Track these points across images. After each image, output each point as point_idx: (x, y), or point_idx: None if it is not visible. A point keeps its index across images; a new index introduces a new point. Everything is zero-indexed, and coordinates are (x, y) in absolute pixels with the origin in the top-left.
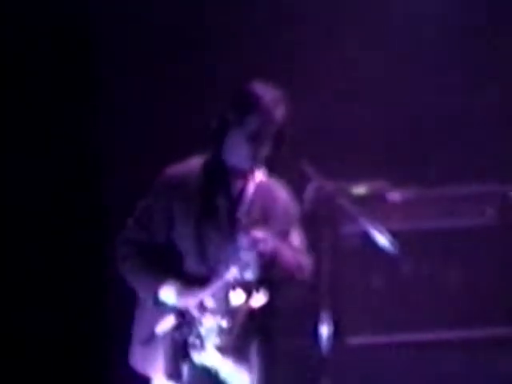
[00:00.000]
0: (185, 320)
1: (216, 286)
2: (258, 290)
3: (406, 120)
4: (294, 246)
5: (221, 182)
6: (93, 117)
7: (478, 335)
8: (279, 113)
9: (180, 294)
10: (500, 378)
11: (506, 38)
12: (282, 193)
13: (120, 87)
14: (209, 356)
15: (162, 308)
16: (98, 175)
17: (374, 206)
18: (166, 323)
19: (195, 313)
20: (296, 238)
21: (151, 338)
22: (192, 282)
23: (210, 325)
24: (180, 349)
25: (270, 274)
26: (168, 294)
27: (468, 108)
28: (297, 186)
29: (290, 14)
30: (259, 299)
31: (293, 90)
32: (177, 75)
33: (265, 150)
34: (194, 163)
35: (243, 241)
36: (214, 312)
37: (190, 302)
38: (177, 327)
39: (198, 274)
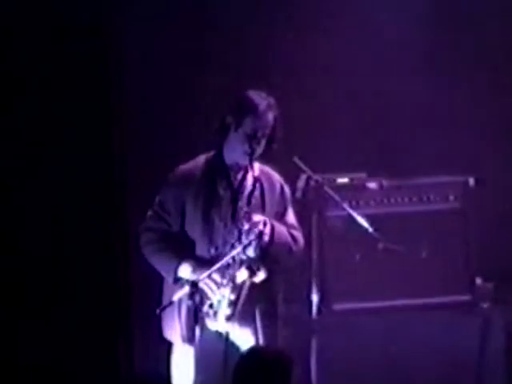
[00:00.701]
0: (197, 290)
1: (223, 262)
2: (258, 268)
3: (385, 121)
4: (289, 223)
5: (223, 176)
6: (106, 117)
7: (441, 301)
8: (272, 116)
9: (194, 270)
10: (460, 335)
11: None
12: (276, 180)
13: (133, 94)
14: (220, 323)
15: (180, 284)
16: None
17: (355, 193)
18: (181, 292)
19: (207, 285)
20: (290, 216)
21: (168, 304)
22: (203, 261)
23: (220, 297)
24: (193, 315)
25: (270, 249)
26: (185, 270)
27: (440, 107)
28: (290, 177)
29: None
30: (260, 275)
31: (281, 94)
32: (184, 86)
33: (260, 149)
34: (200, 161)
35: (245, 224)
36: (223, 286)
37: (202, 276)
38: (190, 296)
39: (208, 255)
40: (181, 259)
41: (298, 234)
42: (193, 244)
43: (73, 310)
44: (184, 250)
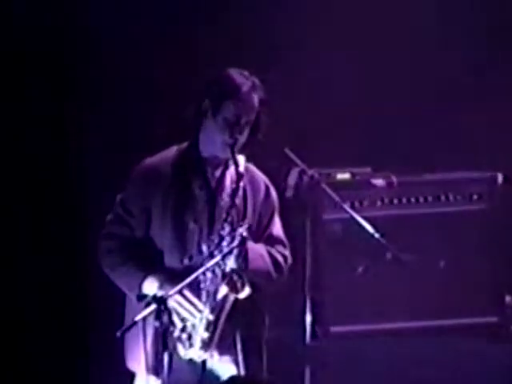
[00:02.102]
0: (166, 308)
1: (198, 273)
2: (243, 282)
3: (393, 106)
4: (274, 236)
5: (198, 171)
6: (73, 113)
7: (462, 323)
8: (256, 99)
9: (162, 285)
10: (486, 364)
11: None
12: (261, 180)
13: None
14: (195, 350)
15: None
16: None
17: (358, 192)
18: (147, 311)
19: (178, 303)
20: (275, 227)
21: (130, 326)
22: (174, 274)
23: (196, 318)
24: (161, 339)
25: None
26: (150, 286)
27: (457, 94)
28: (278, 173)
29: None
30: (244, 291)
31: (273, 78)
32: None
33: (243, 138)
34: (171, 154)
35: (226, 228)
36: (199, 305)
37: (172, 291)
38: (157, 315)
39: (180, 266)
40: (146, 272)
41: (284, 253)
42: (161, 253)
43: (25, 333)
44: (150, 260)
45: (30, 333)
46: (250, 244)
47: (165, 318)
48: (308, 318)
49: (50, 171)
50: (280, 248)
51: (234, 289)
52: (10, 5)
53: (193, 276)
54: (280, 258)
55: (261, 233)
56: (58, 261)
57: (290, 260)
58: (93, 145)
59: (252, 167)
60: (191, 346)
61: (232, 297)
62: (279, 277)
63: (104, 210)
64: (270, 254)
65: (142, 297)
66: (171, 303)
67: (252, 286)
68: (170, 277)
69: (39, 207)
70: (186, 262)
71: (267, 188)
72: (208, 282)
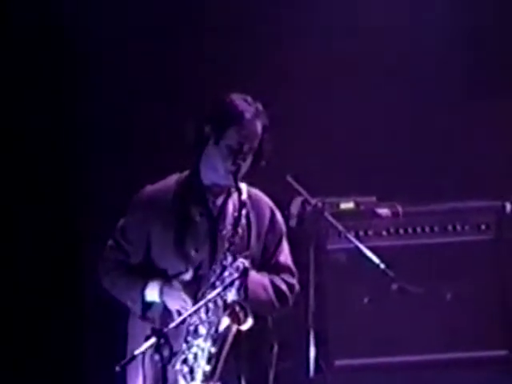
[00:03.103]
0: (166, 341)
1: (199, 306)
2: (245, 313)
3: (398, 135)
4: (281, 264)
5: (199, 199)
6: (72, 125)
7: (470, 357)
8: (260, 126)
9: (163, 290)
10: None
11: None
12: (266, 205)
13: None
14: (198, 383)
15: (150, 319)
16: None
17: (363, 221)
18: (147, 344)
19: (179, 337)
20: (283, 254)
21: (130, 359)
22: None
23: (197, 350)
24: (161, 373)
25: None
26: (152, 292)
27: (463, 122)
28: (281, 201)
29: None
30: (246, 322)
31: (276, 104)
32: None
33: (246, 166)
34: (172, 181)
35: (228, 261)
36: (201, 337)
37: (174, 300)
38: (157, 348)
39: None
40: (146, 279)
41: (290, 282)
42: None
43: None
44: (149, 272)
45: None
46: (252, 274)
47: (165, 352)
48: (312, 351)
49: (50, 177)
50: (286, 276)
51: (236, 320)
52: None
53: (194, 308)
54: (284, 287)
55: (267, 260)
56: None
57: (297, 288)
58: (94, 161)
59: (257, 192)
60: (193, 379)
61: (234, 328)
62: (283, 307)
63: (103, 218)
64: (273, 284)
65: (146, 309)
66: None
67: (255, 317)
68: (170, 281)
69: (39, 210)
70: (186, 290)
71: (273, 214)
72: (210, 313)
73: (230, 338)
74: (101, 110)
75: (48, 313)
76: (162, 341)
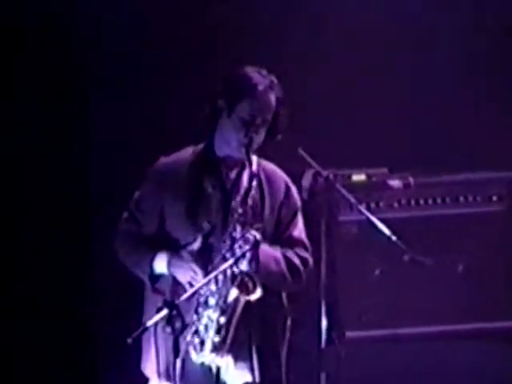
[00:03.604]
0: (178, 313)
1: (210, 278)
2: (254, 284)
3: (410, 106)
4: (295, 238)
5: (212, 172)
6: (81, 108)
7: (482, 328)
8: (273, 98)
9: (171, 263)
10: (507, 369)
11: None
12: (281, 179)
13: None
14: (207, 354)
15: (160, 291)
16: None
17: (374, 193)
18: (158, 315)
19: (190, 307)
20: (297, 229)
21: (141, 331)
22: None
23: (208, 321)
24: (172, 345)
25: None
26: (160, 264)
27: (476, 92)
28: (293, 174)
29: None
30: (255, 292)
31: (289, 76)
32: (173, 61)
33: (259, 139)
34: (187, 154)
35: (238, 232)
36: (211, 308)
37: (182, 272)
38: (168, 320)
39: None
40: (155, 251)
41: (303, 256)
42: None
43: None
44: (161, 244)
45: (39, 336)
46: (263, 246)
47: (176, 324)
48: (323, 323)
49: (52, 169)
50: (299, 250)
51: (245, 291)
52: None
53: (204, 281)
54: (297, 261)
55: (281, 234)
56: (67, 259)
57: (310, 263)
58: (102, 143)
59: (273, 166)
60: (203, 349)
61: (243, 299)
62: (296, 280)
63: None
64: (286, 257)
65: (155, 278)
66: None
67: (266, 288)
68: (179, 252)
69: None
70: (198, 261)
71: (288, 188)
72: (219, 284)
73: (238, 309)
74: (112, 76)
75: (62, 284)
76: (174, 312)
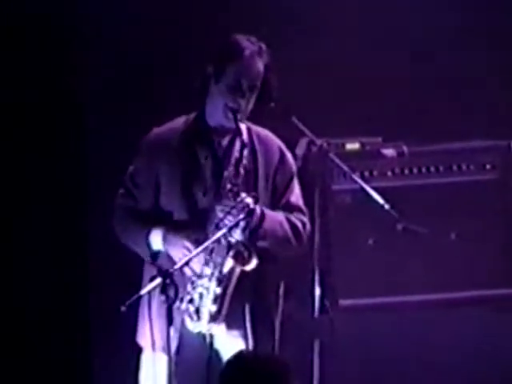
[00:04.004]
0: (172, 281)
1: (204, 247)
2: (250, 253)
3: (402, 75)
4: (292, 204)
5: (204, 141)
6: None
7: (475, 295)
8: (262, 64)
9: (165, 238)
10: (500, 336)
11: None
12: (275, 145)
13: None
14: (203, 323)
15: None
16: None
17: (368, 161)
18: (152, 284)
19: (185, 275)
20: (294, 194)
21: (135, 299)
22: (178, 226)
23: (203, 290)
24: (166, 314)
25: (260, 235)
26: (156, 239)
27: (467, 61)
28: (286, 142)
29: None
30: (250, 263)
31: (283, 42)
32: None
33: (248, 105)
34: (179, 123)
35: (231, 201)
36: (205, 277)
37: (176, 248)
38: (163, 289)
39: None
40: (149, 227)
41: (303, 220)
42: (170, 222)
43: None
44: (156, 218)
45: (30, 304)
46: (267, 211)
47: (170, 292)
48: (317, 291)
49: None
50: (298, 215)
51: (240, 261)
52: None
53: (198, 249)
54: (299, 224)
55: (277, 200)
56: (60, 230)
57: (308, 227)
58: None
59: (266, 132)
60: (199, 318)
61: (238, 269)
62: (299, 244)
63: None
64: (289, 220)
65: (155, 255)
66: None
67: (260, 257)
68: (173, 228)
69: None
70: (194, 230)
71: (282, 154)
72: (214, 254)
73: (234, 279)
74: (103, 45)
75: (55, 261)
76: (168, 281)
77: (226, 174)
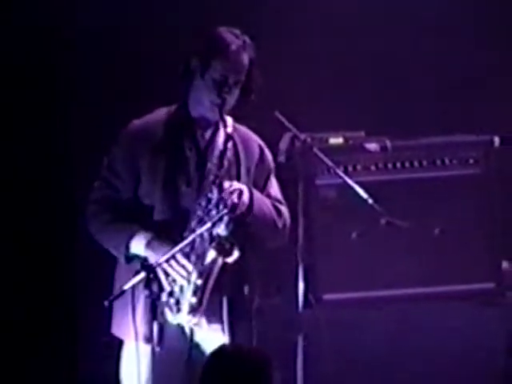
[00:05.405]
0: (155, 277)
1: (188, 241)
2: (232, 246)
3: (387, 69)
4: (272, 196)
5: (187, 132)
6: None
7: (458, 290)
8: (247, 58)
9: (149, 244)
10: (482, 330)
11: None
12: (254, 141)
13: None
14: (183, 315)
15: (135, 265)
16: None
17: (351, 156)
18: (136, 279)
19: (167, 269)
20: (273, 188)
21: (119, 294)
22: (162, 231)
23: (184, 283)
24: (150, 308)
25: (248, 224)
26: (138, 245)
27: (451, 52)
28: (270, 137)
29: None
30: (232, 254)
31: (266, 38)
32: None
33: (232, 99)
34: (161, 114)
35: (214, 192)
36: (187, 270)
37: (160, 255)
38: (146, 284)
39: (170, 230)
40: (133, 231)
41: (284, 209)
42: (150, 216)
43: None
44: (138, 220)
45: (16, 299)
46: (256, 194)
47: (154, 287)
48: (300, 286)
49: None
50: (279, 205)
51: (222, 253)
52: None
53: (182, 244)
54: (283, 209)
55: None
56: (47, 224)
57: (288, 217)
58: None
59: (245, 129)
60: (179, 310)
61: (220, 261)
62: (283, 228)
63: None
64: (273, 205)
65: (130, 258)
66: (159, 269)
67: (241, 250)
68: (157, 234)
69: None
70: (176, 224)
71: (261, 150)
72: (196, 245)
73: (215, 271)
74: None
75: (39, 254)
76: (151, 276)
77: (209, 165)
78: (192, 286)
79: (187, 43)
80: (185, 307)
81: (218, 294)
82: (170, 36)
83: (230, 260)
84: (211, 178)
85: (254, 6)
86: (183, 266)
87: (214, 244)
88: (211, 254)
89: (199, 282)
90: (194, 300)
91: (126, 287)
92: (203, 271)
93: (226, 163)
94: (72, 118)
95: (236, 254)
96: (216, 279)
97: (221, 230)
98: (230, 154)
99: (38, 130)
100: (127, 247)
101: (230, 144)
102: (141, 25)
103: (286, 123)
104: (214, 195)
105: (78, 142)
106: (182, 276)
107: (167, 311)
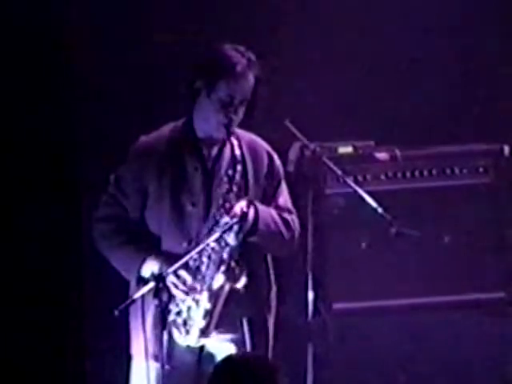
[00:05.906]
0: (165, 286)
1: (198, 250)
2: (240, 271)
3: (396, 78)
4: (281, 205)
5: (193, 151)
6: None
7: (467, 299)
8: (252, 77)
9: (162, 268)
10: (492, 340)
11: None
12: (263, 150)
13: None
14: (192, 337)
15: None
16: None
17: (361, 165)
18: (145, 288)
19: (174, 284)
20: (282, 196)
21: (128, 303)
22: (173, 257)
23: (191, 303)
24: (159, 318)
25: (255, 239)
26: (149, 269)
27: (461, 64)
28: (279, 146)
29: None
30: (241, 280)
31: (274, 49)
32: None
33: (238, 118)
34: (166, 131)
35: (224, 216)
36: (196, 291)
37: (171, 269)
38: (155, 293)
39: (178, 250)
40: (145, 255)
41: (293, 219)
42: (158, 236)
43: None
44: (148, 243)
45: (24, 310)
46: (260, 207)
47: (164, 296)
48: (310, 295)
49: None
50: (288, 215)
51: (231, 278)
52: None
53: (192, 253)
54: (290, 220)
55: (266, 204)
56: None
57: (298, 226)
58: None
59: (253, 137)
60: (188, 333)
61: (228, 286)
62: (291, 238)
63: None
64: (280, 216)
65: (141, 279)
66: (168, 282)
67: (250, 275)
68: (169, 259)
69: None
70: (184, 245)
71: (270, 158)
72: (204, 268)
73: (224, 296)
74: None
75: (48, 259)
76: (161, 285)
77: (215, 188)
78: (202, 310)
79: (191, 54)
80: (194, 330)
81: (235, 307)
82: (174, 45)
83: (238, 285)
84: (220, 201)
85: (268, 18)
86: (190, 288)
87: (223, 267)
88: (219, 279)
89: (208, 305)
90: (203, 323)
91: (135, 296)
92: (211, 296)
93: (235, 188)
94: (75, 116)
95: (244, 280)
96: (231, 302)
97: (231, 239)
98: (238, 176)
99: (39, 126)
100: (139, 271)
101: (238, 166)
102: (143, 37)
103: (296, 132)
104: (223, 219)
105: (80, 141)
106: (186, 296)
107: (175, 332)
